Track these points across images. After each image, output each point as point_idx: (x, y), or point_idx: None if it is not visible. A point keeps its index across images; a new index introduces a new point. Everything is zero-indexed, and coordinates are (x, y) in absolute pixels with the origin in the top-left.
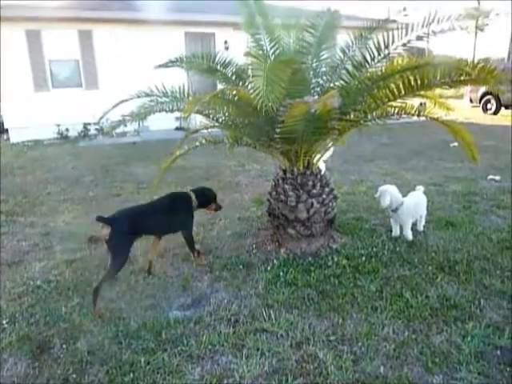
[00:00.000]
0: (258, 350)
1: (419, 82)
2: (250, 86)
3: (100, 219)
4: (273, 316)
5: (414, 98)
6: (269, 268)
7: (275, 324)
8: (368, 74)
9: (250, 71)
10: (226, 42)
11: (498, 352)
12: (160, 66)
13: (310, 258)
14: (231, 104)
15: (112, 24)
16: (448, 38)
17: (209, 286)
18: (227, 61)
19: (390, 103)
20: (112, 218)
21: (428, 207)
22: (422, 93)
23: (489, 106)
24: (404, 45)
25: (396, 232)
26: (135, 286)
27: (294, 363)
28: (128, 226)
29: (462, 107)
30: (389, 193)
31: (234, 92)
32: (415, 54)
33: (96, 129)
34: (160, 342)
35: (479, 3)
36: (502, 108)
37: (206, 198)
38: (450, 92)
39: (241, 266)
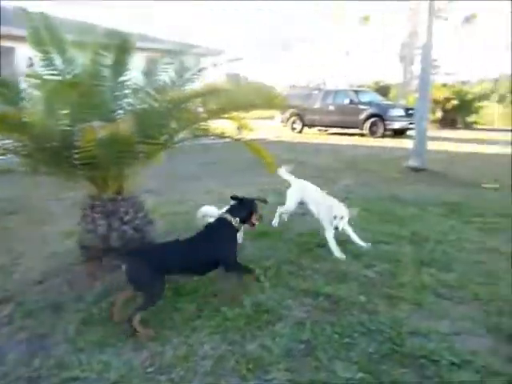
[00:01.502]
0: None
1: (215, 106)
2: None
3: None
4: (84, 360)
5: (219, 120)
6: (82, 307)
7: (87, 369)
8: (168, 98)
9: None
10: (30, 59)
11: (302, 346)
12: None
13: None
14: (14, 128)
15: None
16: (261, 66)
17: (6, 342)
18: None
19: (194, 126)
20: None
21: None
22: (228, 115)
23: (295, 125)
24: (200, 70)
25: None
26: None
27: None
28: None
29: (274, 127)
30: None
31: (14, 115)
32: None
33: None
34: None
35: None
36: (306, 127)
37: (248, 210)
38: (267, 113)
39: (49, 310)
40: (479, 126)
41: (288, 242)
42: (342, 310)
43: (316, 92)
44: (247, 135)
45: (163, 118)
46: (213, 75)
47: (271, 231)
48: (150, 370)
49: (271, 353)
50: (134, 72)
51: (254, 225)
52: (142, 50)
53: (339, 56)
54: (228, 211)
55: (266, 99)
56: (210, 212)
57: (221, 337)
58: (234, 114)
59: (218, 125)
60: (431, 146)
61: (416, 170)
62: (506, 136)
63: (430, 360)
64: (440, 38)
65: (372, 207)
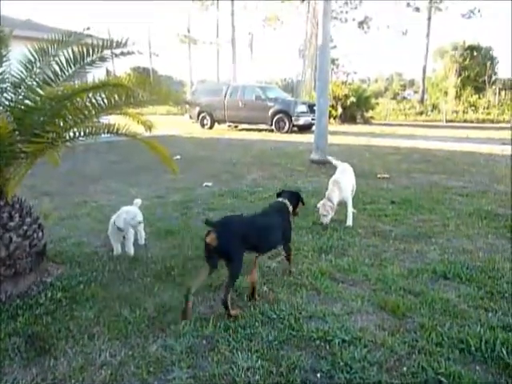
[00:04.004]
0: None
1: (106, 101)
2: None
3: (208, 223)
4: None
5: (111, 115)
6: None
7: None
8: (51, 94)
9: None
10: None
11: (204, 341)
12: None
13: (17, 301)
14: None
15: None
16: (173, 60)
17: None
18: None
19: (85, 123)
20: (218, 224)
21: (150, 219)
22: (124, 111)
23: (205, 121)
24: (89, 64)
25: (118, 250)
26: None
27: None
28: (235, 234)
29: (184, 123)
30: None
31: None
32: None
33: None
34: None
35: (189, 31)
36: (216, 123)
37: (296, 200)
38: (176, 109)
39: None
40: (375, 121)
41: (194, 238)
42: (245, 301)
43: (224, 87)
44: (153, 132)
45: (46, 114)
46: (116, 68)
47: (175, 229)
48: None
49: (173, 352)
50: (16, 64)
51: (297, 214)
52: (28, 39)
53: (246, 53)
54: (285, 198)
55: (160, 95)
56: (131, 213)
57: (121, 342)
58: (129, 110)
59: (118, 121)
60: (332, 139)
61: (318, 162)
62: (396, 129)
63: (324, 340)
64: (341, 39)
65: (274, 198)
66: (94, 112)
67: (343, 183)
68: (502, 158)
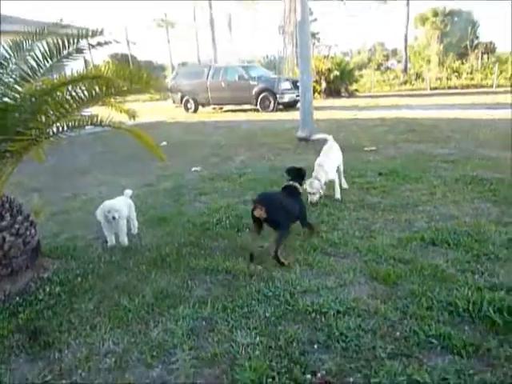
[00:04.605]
0: None
1: (87, 94)
2: None
3: (255, 201)
4: None
5: (92, 107)
6: None
7: None
8: (30, 90)
9: None
10: None
11: (204, 323)
12: None
13: (17, 298)
14: None
15: None
16: (152, 45)
17: None
18: None
19: (66, 117)
20: (262, 199)
21: (142, 207)
22: (106, 101)
23: (189, 105)
24: (66, 57)
25: (112, 241)
26: None
27: None
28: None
29: (168, 108)
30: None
31: None
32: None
33: None
34: None
35: (166, 15)
36: (200, 106)
37: (301, 178)
38: (158, 95)
39: None
40: (360, 93)
41: (186, 224)
42: (240, 281)
43: (206, 69)
44: (137, 119)
45: (27, 111)
46: (94, 56)
47: (168, 216)
48: (48, 377)
49: (174, 335)
50: None
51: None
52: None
53: (225, 33)
54: (294, 182)
55: (140, 84)
56: (117, 206)
57: (123, 330)
58: (111, 100)
59: (101, 112)
60: (318, 115)
61: (305, 139)
62: (381, 101)
63: (319, 313)
64: (321, 12)
65: (264, 179)
66: (75, 105)
67: (327, 166)
68: (486, 122)
